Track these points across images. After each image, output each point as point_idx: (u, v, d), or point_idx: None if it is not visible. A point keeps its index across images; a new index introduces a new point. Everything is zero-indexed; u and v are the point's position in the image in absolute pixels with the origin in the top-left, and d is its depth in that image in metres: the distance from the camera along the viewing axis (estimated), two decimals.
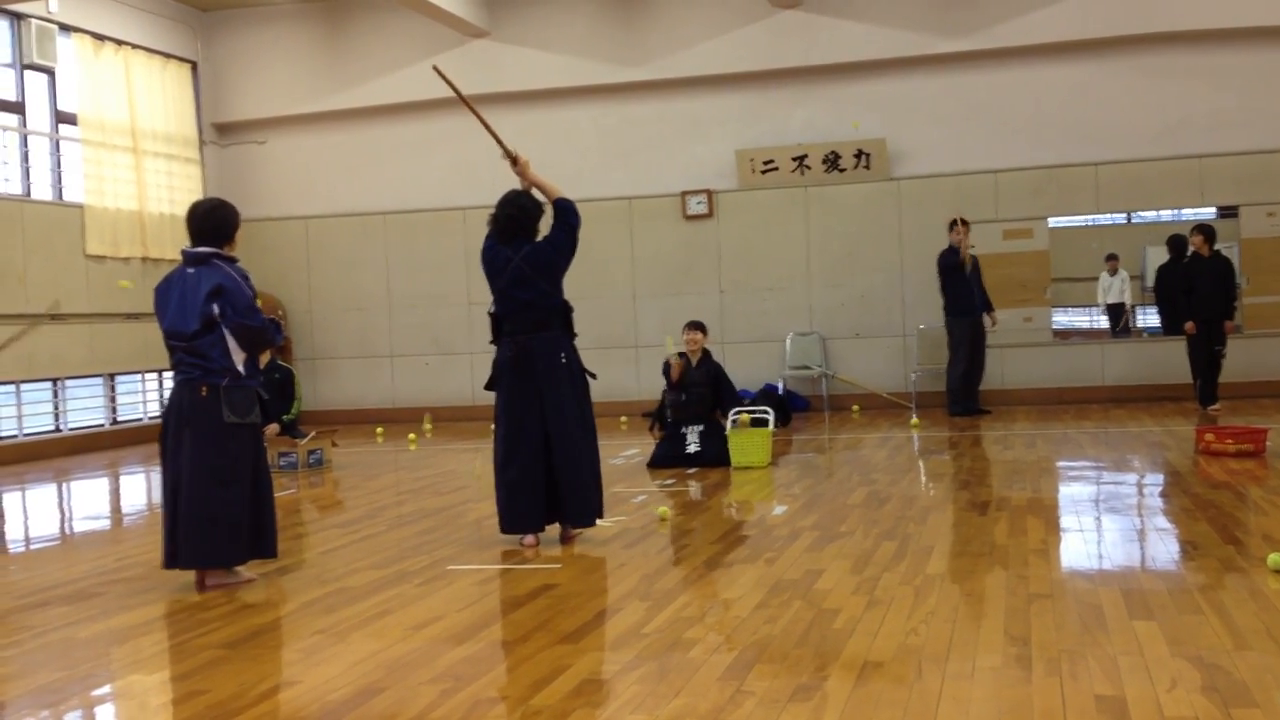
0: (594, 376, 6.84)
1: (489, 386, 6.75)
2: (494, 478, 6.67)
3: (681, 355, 9.97)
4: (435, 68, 6.98)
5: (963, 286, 12.81)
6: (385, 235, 15.67)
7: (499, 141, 6.80)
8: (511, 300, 6.58)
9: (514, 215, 6.62)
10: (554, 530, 6.70)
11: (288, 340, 15.48)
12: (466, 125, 14.91)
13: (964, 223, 12.83)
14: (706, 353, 10.07)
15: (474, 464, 10.58)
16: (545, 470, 6.51)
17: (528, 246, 6.60)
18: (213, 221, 5.91)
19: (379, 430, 13.98)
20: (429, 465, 10.86)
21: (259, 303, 6.09)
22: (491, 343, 6.76)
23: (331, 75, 15.51)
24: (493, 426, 6.76)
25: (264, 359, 10.47)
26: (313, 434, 11.15)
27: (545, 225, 6.73)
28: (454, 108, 15.17)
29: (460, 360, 15.30)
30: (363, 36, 15.39)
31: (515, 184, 6.84)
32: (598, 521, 6.78)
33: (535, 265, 6.55)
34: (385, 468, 10.90)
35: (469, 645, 4.58)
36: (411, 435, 13.23)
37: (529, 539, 6.55)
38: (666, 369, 10.09)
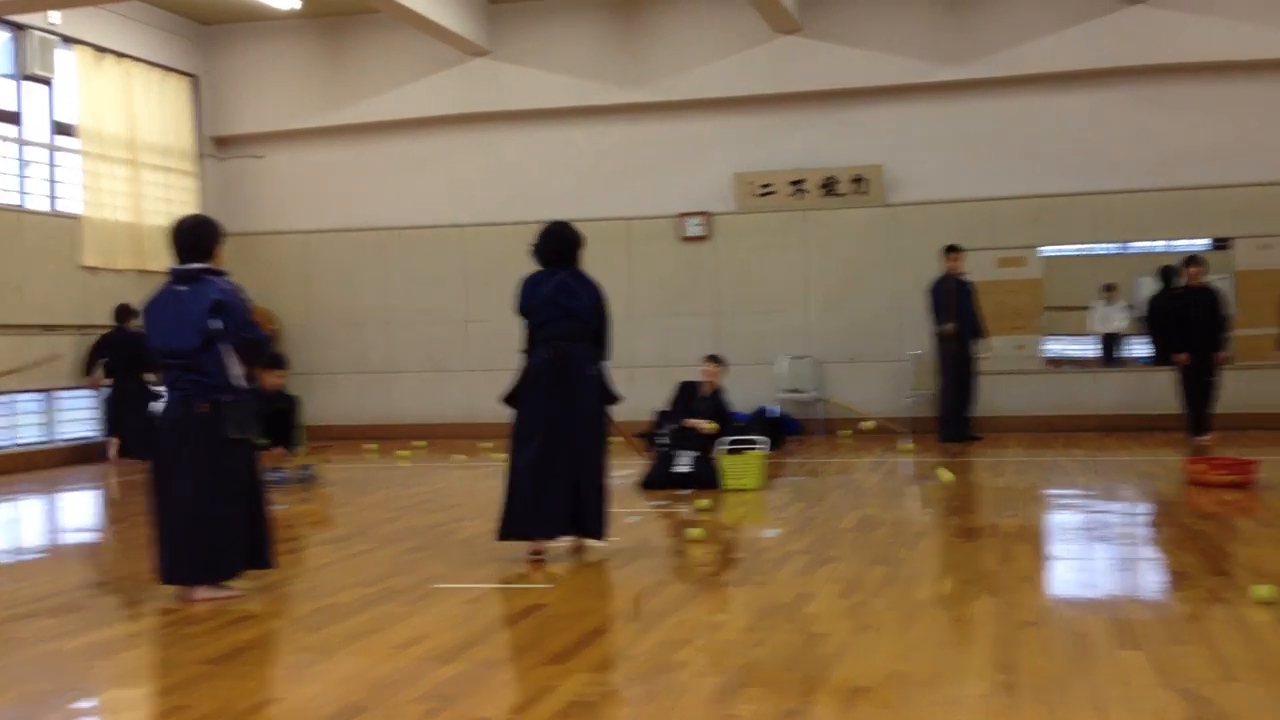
0: (621, 399, 6.86)
1: (509, 400, 6.70)
2: (508, 479, 6.59)
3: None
4: None
5: (951, 311, 12.72)
6: (383, 251, 15.67)
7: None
8: (555, 307, 6.62)
9: (556, 247, 6.75)
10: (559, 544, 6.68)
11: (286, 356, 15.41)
12: (465, 143, 15.16)
13: (955, 249, 12.83)
14: (719, 386, 10.17)
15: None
16: (567, 478, 6.52)
17: (573, 269, 6.74)
18: (195, 237, 5.93)
19: (372, 447, 13.94)
20: (420, 482, 10.84)
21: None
22: (523, 351, 6.74)
23: (331, 91, 15.53)
24: (509, 440, 6.67)
25: (278, 381, 10.49)
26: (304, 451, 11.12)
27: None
28: (452, 125, 15.36)
29: (455, 378, 15.28)
30: (363, 53, 15.43)
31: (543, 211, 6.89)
32: (598, 542, 6.75)
33: (582, 283, 6.69)
34: (377, 484, 10.88)
35: (456, 664, 4.56)
36: (403, 452, 13.21)
37: (539, 546, 6.52)
38: (685, 412, 10.05)
